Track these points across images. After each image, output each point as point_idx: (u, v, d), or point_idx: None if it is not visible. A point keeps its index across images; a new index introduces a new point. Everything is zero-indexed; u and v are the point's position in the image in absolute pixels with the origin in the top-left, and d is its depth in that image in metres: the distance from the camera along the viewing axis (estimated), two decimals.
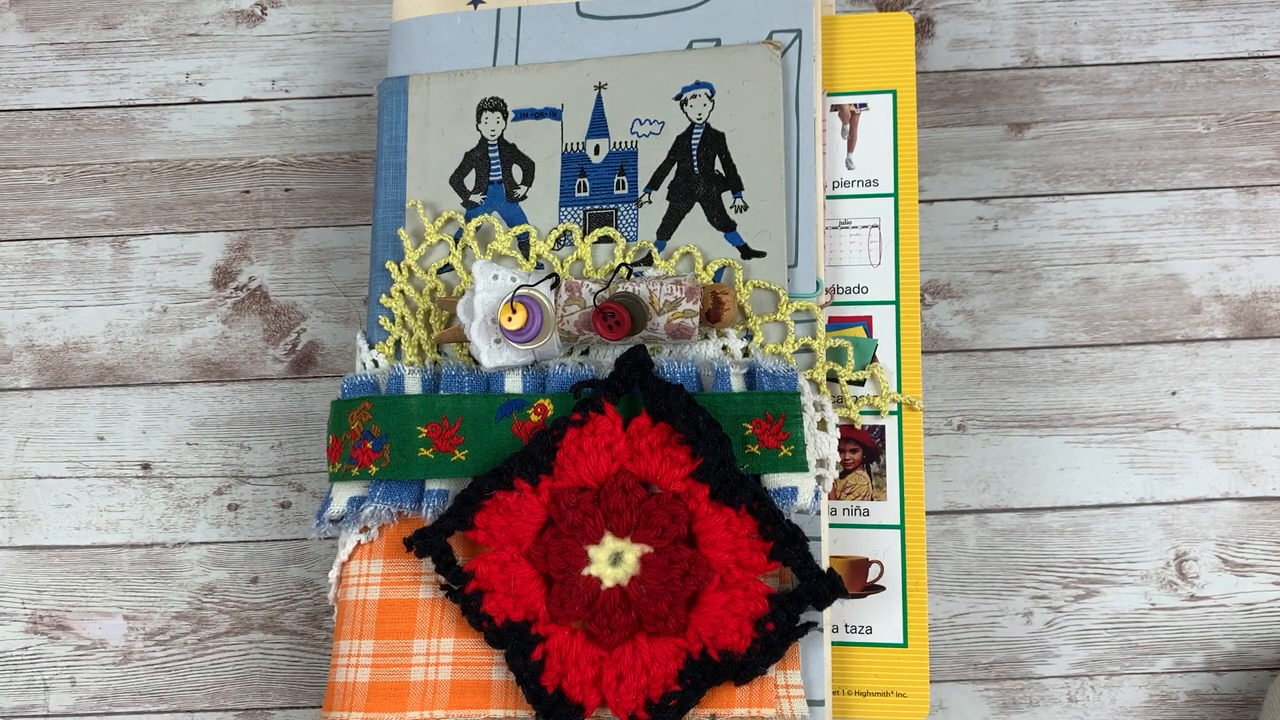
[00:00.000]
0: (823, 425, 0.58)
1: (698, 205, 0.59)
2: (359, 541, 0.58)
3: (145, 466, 0.71)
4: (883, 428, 0.59)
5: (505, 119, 0.62)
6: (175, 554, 0.70)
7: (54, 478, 0.71)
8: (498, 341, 0.57)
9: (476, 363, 0.58)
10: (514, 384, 0.57)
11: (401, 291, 0.61)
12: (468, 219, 0.61)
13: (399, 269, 0.61)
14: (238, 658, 0.69)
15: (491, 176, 0.62)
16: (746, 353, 0.58)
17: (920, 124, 0.72)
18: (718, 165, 0.60)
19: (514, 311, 0.56)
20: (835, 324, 0.60)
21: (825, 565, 0.56)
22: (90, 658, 0.69)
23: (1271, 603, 0.66)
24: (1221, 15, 0.74)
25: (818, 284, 0.58)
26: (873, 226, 0.61)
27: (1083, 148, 0.72)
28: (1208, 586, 0.67)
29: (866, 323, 0.60)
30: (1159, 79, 0.73)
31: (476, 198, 0.62)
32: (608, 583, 0.54)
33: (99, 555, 0.70)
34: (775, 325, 0.58)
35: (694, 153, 0.60)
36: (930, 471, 0.68)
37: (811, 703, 0.54)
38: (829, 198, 0.62)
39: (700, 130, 0.60)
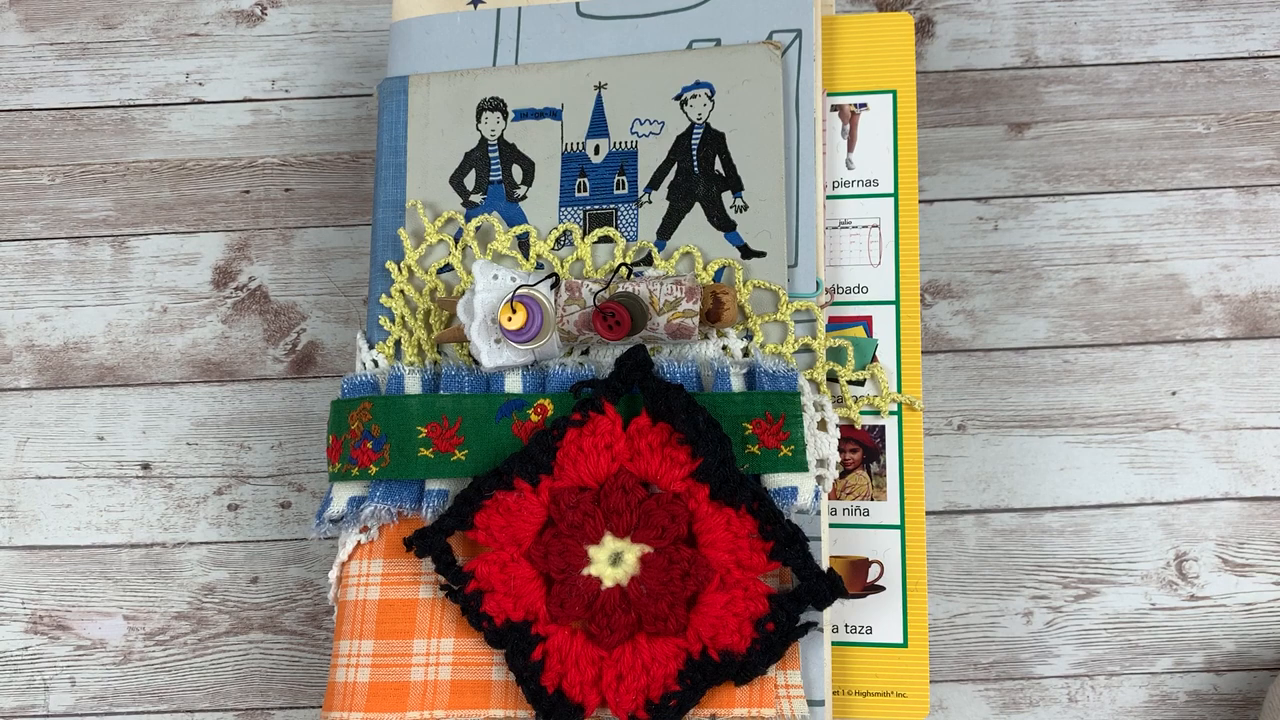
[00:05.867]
0: (823, 425, 0.58)
1: (698, 205, 0.59)
2: (359, 541, 0.58)
3: (145, 466, 0.71)
4: (883, 428, 0.59)
5: (505, 119, 0.62)
6: (175, 554, 0.70)
7: (54, 478, 0.71)
8: (498, 341, 0.57)
9: (476, 363, 0.58)
10: (514, 384, 0.57)
11: (401, 291, 0.61)
12: (468, 219, 0.61)
13: (399, 269, 0.61)
14: (238, 658, 0.69)
15: (491, 176, 0.62)
16: (746, 353, 0.58)
17: (920, 124, 0.73)
18: (718, 165, 0.60)
19: (514, 311, 0.56)
20: (835, 324, 0.60)
21: (825, 565, 0.56)
22: (90, 658, 0.69)
23: (1271, 603, 0.66)
24: (1221, 15, 0.74)
25: (818, 284, 0.58)
26: (873, 226, 0.61)
27: (1083, 148, 0.72)
28: (1208, 586, 0.67)
29: (866, 323, 0.60)
30: (1159, 79, 0.73)
31: (476, 198, 0.62)
32: (608, 583, 0.54)
33: (99, 555, 0.70)
34: (775, 325, 0.58)
35: (694, 153, 0.60)
36: (930, 471, 0.68)
37: (811, 703, 0.54)
38: (829, 198, 0.62)
39: (700, 130, 0.60)
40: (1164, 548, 0.67)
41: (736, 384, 0.56)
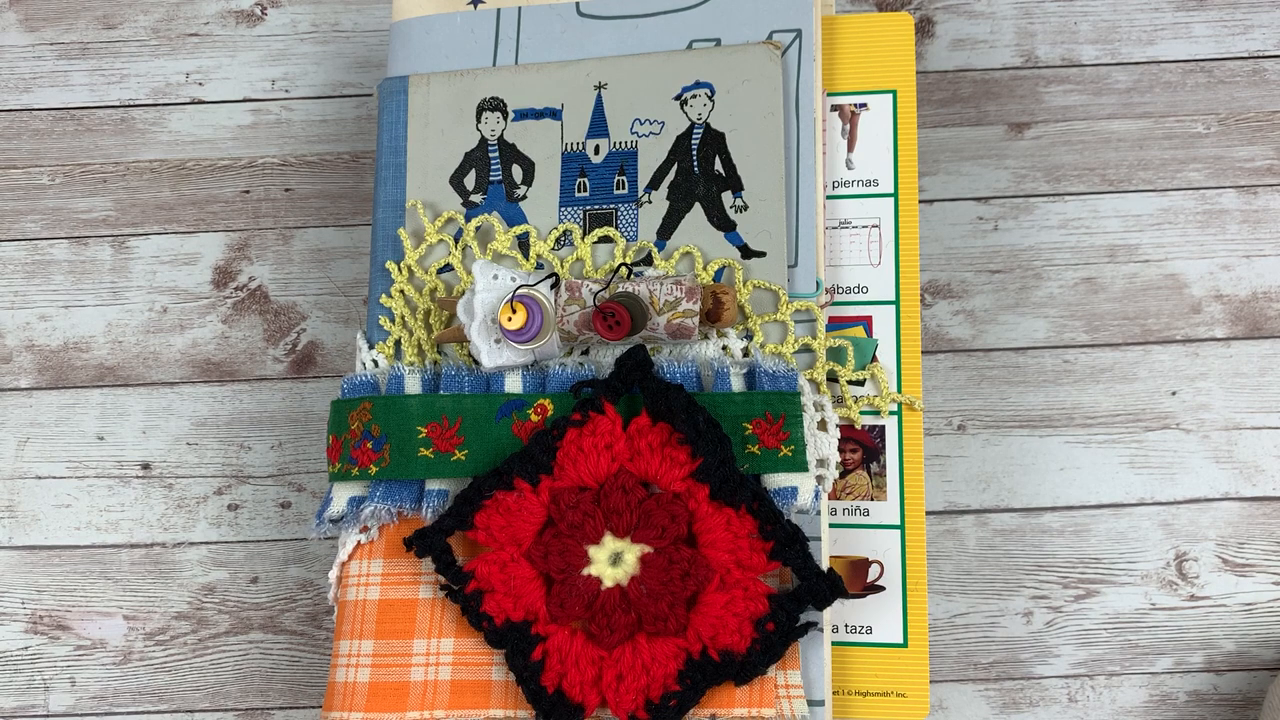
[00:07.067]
0: (823, 425, 0.58)
1: (698, 205, 0.59)
2: (359, 541, 0.58)
3: (145, 466, 0.71)
4: (883, 428, 0.59)
5: (505, 119, 0.62)
6: (175, 554, 0.70)
7: (54, 478, 0.71)
8: (498, 341, 0.57)
9: (476, 363, 0.58)
10: (514, 384, 0.57)
11: (401, 291, 0.61)
12: (468, 219, 0.61)
13: (399, 269, 0.61)
14: (238, 658, 0.69)
15: (491, 176, 0.62)
16: (746, 353, 0.58)
17: (920, 124, 0.73)
18: (718, 165, 0.60)
19: (514, 311, 0.56)
20: (835, 324, 0.60)
21: (825, 565, 0.56)
22: (90, 658, 0.69)
23: (1271, 603, 0.66)
24: (1221, 15, 0.74)
25: (818, 284, 0.58)
26: (873, 226, 0.61)
27: (1083, 148, 0.72)
28: (1208, 586, 0.67)
29: (866, 323, 0.60)
30: (1159, 79, 0.73)
31: (476, 198, 0.62)
32: (608, 583, 0.54)
33: (99, 555, 0.70)
34: (775, 325, 0.58)
35: (694, 153, 0.60)
36: (930, 471, 0.68)
37: (811, 703, 0.54)
38: (829, 198, 0.62)
39: (700, 130, 0.60)
40: (1164, 548, 0.67)
41: (736, 384, 0.56)
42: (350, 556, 0.58)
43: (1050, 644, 0.67)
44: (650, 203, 0.60)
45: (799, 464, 0.55)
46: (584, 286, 0.56)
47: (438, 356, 0.60)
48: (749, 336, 0.58)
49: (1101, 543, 0.67)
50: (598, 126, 0.61)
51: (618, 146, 0.61)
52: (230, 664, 0.69)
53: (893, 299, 0.60)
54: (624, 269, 0.58)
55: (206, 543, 0.70)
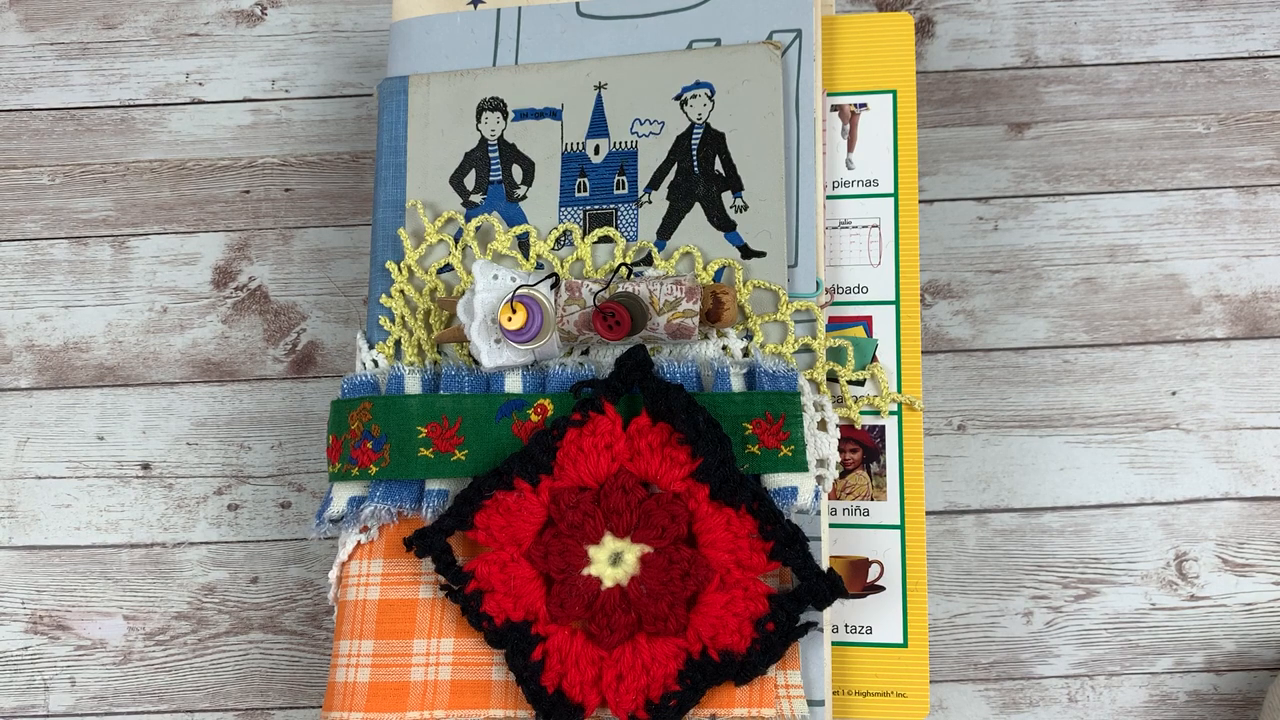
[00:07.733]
0: (823, 425, 0.58)
1: (698, 205, 0.59)
2: (359, 541, 0.58)
3: (145, 466, 0.71)
4: (883, 428, 0.59)
5: (505, 119, 0.62)
6: (175, 554, 0.70)
7: (54, 478, 0.71)
8: (498, 341, 0.57)
9: (476, 363, 0.58)
10: (514, 384, 0.57)
11: (401, 291, 0.61)
12: (468, 219, 0.61)
13: (399, 269, 0.61)
14: (238, 658, 0.69)
15: (491, 176, 0.62)
16: (746, 353, 0.58)
17: (920, 124, 0.73)
18: (718, 165, 0.60)
19: (514, 311, 0.56)
20: (835, 324, 0.60)
21: (825, 565, 0.56)
22: (90, 658, 0.69)
23: (1271, 603, 0.66)
24: (1221, 15, 0.74)
25: (818, 284, 0.58)
26: (873, 226, 0.61)
27: (1083, 148, 0.72)
28: (1208, 586, 0.67)
29: (866, 323, 0.60)
30: (1159, 79, 0.73)
31: (476, 198, 0.62)
32: (608, 583, 0.54)
33: (99, 555, 0.70)
34: (775, 325, 0.58)
35: (694, 153, 0.60)
36: (930, 471, 0.68)
37: (811, 703, 0.54)
38: (829, 198, 0.62)
39: (700, 130, 0.60)
40: (1164, 548, 0.67)
41: (736, 384, 0.56)
42: (350, 556, 0.58)
43: (1050, 644, 0.67)
44: (650, 203, 0.60)
45: (799, 464, 0.55)
46: (584, 286, 0.56)
47: (438, 356, 0.60)
48: (749, 336, 0.58)
49: (1101, 543, 0.67)
50: (598, 126, 0.61)
51: (618, 146, 0.61)
52: (230, 664, 0.69)
53: (893, 299, 0.60)
54: (624, 269, 0.58)
55: (206, 543, 0.70)
